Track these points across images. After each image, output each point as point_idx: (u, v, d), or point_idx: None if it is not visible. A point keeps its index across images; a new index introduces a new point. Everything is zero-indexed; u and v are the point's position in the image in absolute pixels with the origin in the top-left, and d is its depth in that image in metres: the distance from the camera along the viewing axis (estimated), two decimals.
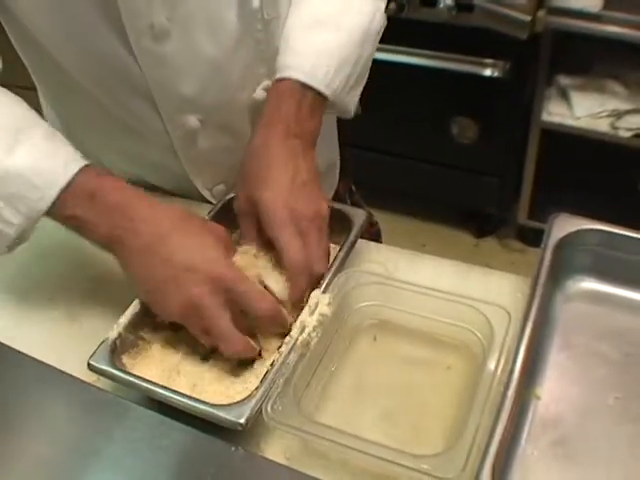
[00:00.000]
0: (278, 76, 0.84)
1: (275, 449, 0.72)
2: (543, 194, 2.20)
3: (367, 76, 0.97)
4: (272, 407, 0.68)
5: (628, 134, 2.00)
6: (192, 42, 0.86)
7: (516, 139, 2.17)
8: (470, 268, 0.90)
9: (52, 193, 0.73)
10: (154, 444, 0.68)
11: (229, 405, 0.69)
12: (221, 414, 0.68)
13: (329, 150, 1.18)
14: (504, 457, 0.69)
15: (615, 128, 2.01)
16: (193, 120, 0.92)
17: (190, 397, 0.70)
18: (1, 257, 0.95)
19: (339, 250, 0.85)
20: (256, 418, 0.68)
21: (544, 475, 0.71)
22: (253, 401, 0.68)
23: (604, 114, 2.03)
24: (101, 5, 0.80)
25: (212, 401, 0.70)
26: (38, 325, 0.88)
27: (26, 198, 0.73)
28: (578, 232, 0.85)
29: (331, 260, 0.84)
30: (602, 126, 2.03)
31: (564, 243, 0.84)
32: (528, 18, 1.86)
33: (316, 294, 0.78)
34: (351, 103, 0.93)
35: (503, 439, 0.65)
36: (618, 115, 2.02)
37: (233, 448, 0.67)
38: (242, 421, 0.67)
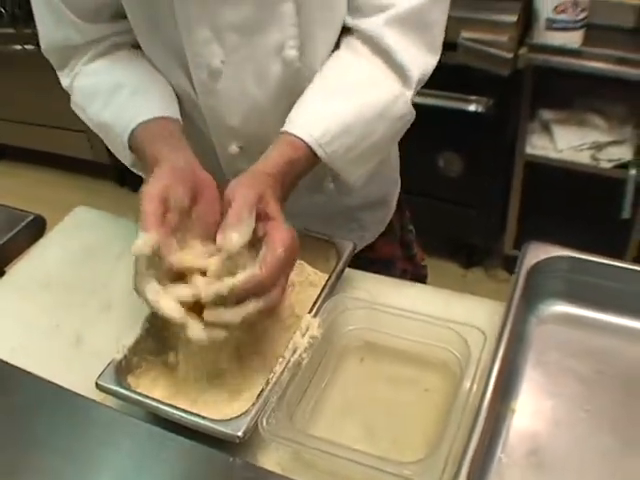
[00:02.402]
0: (283, 129, 0.93)
1: (270, 460, 0.79)
2: (528, 225, 2.28)
3: (380, 157, 1.05)
4: (267, 421, 0.75)
5: (609, 165, 2.09)
6: (240, 83, 0.98)
7: (501, 172, 2.27)
8: (450, 294, 0.98)
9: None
10: (158, 457, 0.75)
11: (227, 420, 0.76)
12: (220, 428, 0.75)
13: (383, 183, 1.26)
14: (481, 465, 0.77)
15: (596, 160, 2.10)
16: (234, 147, 1.04)
17: (191, 413, 0.77)
18: (9, 288, 1.04)
19: (328, 278, 0.93)
20: (252, 431, 0.75)
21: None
22: (249, 416, 0.76)
23: (585, 146, 2.12)
24: (171, 45, 0.98)
25: (211, 417, 0.78)
26: (47, 349, 0.95)
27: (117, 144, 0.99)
28: (550, 259, 0.93)
29: (321, 287, 0.92)
30: (584, 158, 2.12)
31: (537, 269, 0.93)
32: (510, 55, 1.96)
33: (307, 318, 0.86)
34: (353, 175, 1.00)
35: (479, 447, 0.73)
36: (599, 147, 2.11)
37: (231, 459, 0.74)
38: (239, 434, 0.74)
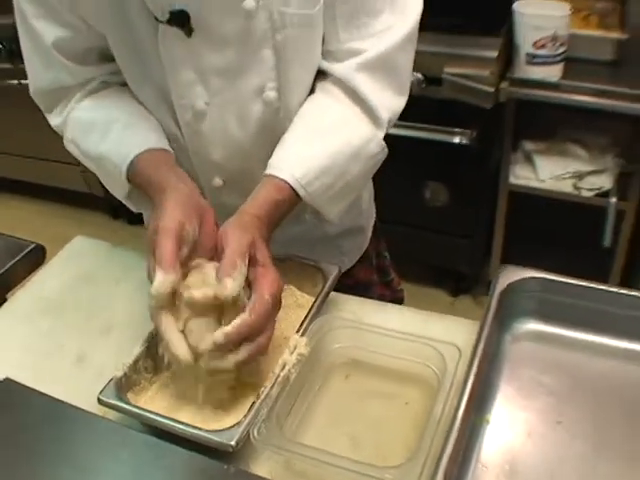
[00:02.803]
0: (267, 172, 1.01)
1: (262, 470, 0.86)
2: (513, 252, 2.36)
3: (356, 194, 1.14)
4: (258, 431, 0.82)
5: (590, 194, 2.18)
6: (223, 123, 1.07)
7: (485, 201, 2.36)
8: (429, 314, 1.06)
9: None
10: (156, 465, 0.82)
11: (221, 430, 0.83)
12: (215, 438, 0.82)
13: (359, 213, 1.34)
14: (457, 471, 0.83)
15: (578, 189, 2.19)
16: (217, 180, 1.12)
17: (187, 424, 0.84)
18: (11, 313, 1.11)
19: (315, 300, 1.00)
20: (245, 441, 0.82)
21: None
22: (242, 426, 0.83)
23: (567, 176, 2.21)
24: (158, 87, 1.05)
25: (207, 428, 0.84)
26: (50, 369, 1.02)
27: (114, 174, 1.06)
28: (522, 280, 1.01)
29: (308, 309, 0.99)
30: (566, 187, 2.21)
31: (510, 290, 1.00)
32: (492, 89, 2.06)
33: (295, 337, 0.93)
34: (331, 212, 1.08)
35: (454, 454, 0.79)
36: (580, 176, 2.21)
37: (226, 466, 0.81)
38: (233, 443, 0.81)
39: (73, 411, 0.88)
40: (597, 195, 2.19)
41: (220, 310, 0.87)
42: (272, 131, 1.07)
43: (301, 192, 0.99)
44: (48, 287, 1.19)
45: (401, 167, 2.36)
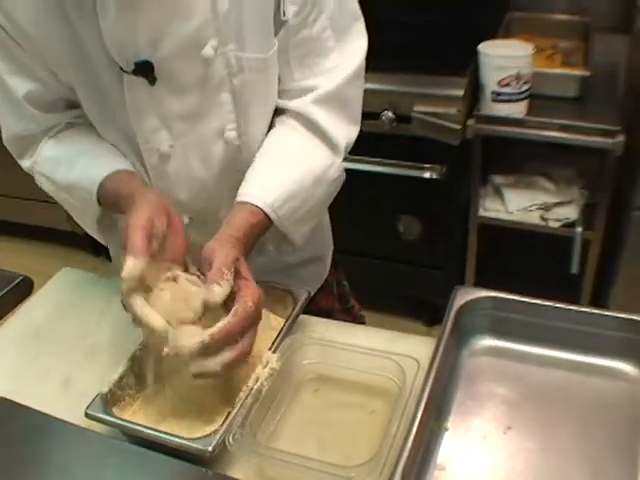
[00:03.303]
0: (239, 200, 1.11)
1: (237, 473, 0.95)
2: (485, 282, 2.46)
3: (320, 217, 1.26)
4: (233, 438, 0.92)
5: (557, 224, 2.31)
6: (187, 164, 1.16)
7: (457, 233, 2.48)
8: (392, 333, 1.16)
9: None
10: (140, 471, 0.92)
11: (199, 438, 0.92)
12: (193, 445, 0.92)
13: (316, 243, 1.44)
14: (418, 473, 0.93)
15: (545, 219, 2.32)
16: (184, 218, 1.18)
17: (168, 433, 0.94)
18: (1, 341, 1.19)
19: (286, 320, 1.10)
20: (221, 447, 0.91)
21: None
22: (218, 434, 0.92)
23: (535, 208, 2.34)
24: (124, 132, 1.14)
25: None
26: (38, 392, 1.11)
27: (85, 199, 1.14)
28: (476, 299, 1.12)
29: (279, 329, 1.09)
30: (534, 218, 2.33)
31: (465, 308, 1.11)
32: (459, 127, 2.19)
33: (267, 354, 1.03)
34: (297, 234, 1.18)
35: (411, 454, 0.89)
36: (547, 208, 2.33)
37: (204, 470, 0.90)
38: (210, 449, 0.91)
39: (62, 425, 0.97)
40: (564, 225, 2.31)
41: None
42: (235, 170, 1.17)
43: (273, 216, 1.10)
44: (36, 315, 1.29)
45: (375, 202, 2.50)
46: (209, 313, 0.97)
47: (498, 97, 2.19)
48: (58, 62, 1.09)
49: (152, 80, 1.06)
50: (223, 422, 0.94)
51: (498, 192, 2.41)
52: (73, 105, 1.18)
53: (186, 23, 1.03)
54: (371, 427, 0.99)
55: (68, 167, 1.17)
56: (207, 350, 0.92)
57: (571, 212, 2.31)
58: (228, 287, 0.96)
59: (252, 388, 0.98)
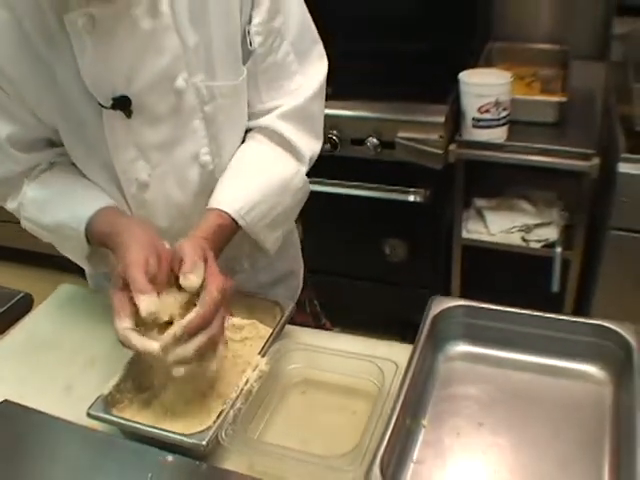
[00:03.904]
0: (209, 207, 1.21)
1: (229, 466, 1.04)
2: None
3: (288, 224, 1.35)
4: (226, 433, 1.01)
5: (538, 245, 2.42)
6: (165, 191, 1.25)
7: (441, 255, 2.58)
8: (374, 341, 1.26)
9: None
10: (139, 465, 1.00)
11: (194, 433, 1.01)
12: (188, 439, 1.01)
13: (288, 259, 1.55)
14: (396, 468, 1.02)
15: (526, 240, 2.43)
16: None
17: (166, 430, 1.03)
18: (5, 352, 1.29)
19: (274, 329, 1.20)
20: (214, 442, 1.00)
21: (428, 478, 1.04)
22: (211, 430, 1.01)
23: (516, 229, 2.45)
24: (104, 165, 1.22)
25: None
26: (41, 398, 1.18)
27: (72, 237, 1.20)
28: (450, 308, 1.21)
29: (266, 337, 1.19)
30: (515, 240, 2.44)
31: (440, 317, 1.20)
32: (441, 152, 2.30)
33: (257, 358, 1.12)
34: (268, 240, 1.28)
35: (390, 446, 0.98)
36: (528, 229, 2.44)
37: (198, 463, 0.99)
38: (204, 443, 1.00)
39: (65, 424, 1.06)
40: (544, 246, 2.42)
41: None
42: (209, 192, 1.25)
43: (241, 222, 1.20)
44: (37, 328, 1.38)
45: (361, 225, 2.60)
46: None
47: (478, 123, 2.30)
48: (38, 102, 1.16)
49: (129, 113, 1.15)
50: (216, 419, 1.03)
51: (480, 214, 2.52)
52: (54, 144, 1.25)
53: (158, 59, 1.12)
54: (353, 425, 1.08)
55: (53, 209, 1.23)
56: (180, 340, 1.01)
57: (551, 233, 2.42)
58: (201, 274, 1.06)
59: (242, 389, 1.08)
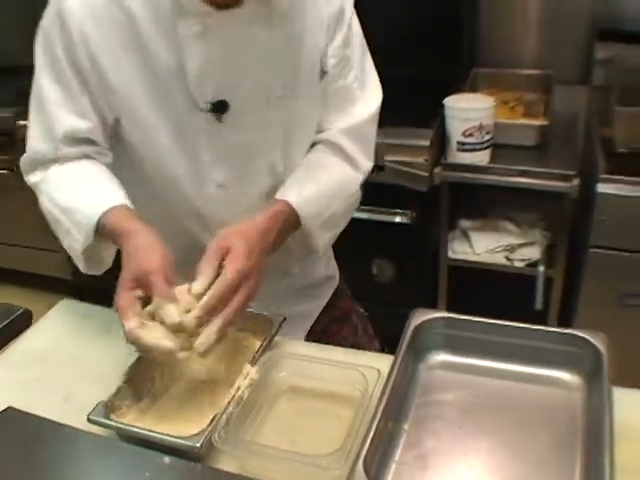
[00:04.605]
0: (275, 197, 1.33)
1: (223, 467, 1.11)
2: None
3: (341, 228, 1.47)
4: (219, 436, 1.08)
5: (521, 264, 2.51)
6: (238, 193, 1.38)
7: (428, 275, 2.67)
8: (357, 351, 1.36)
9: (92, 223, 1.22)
10: (138, 466, 1.07)
11: (189, 436, 1.09)
12: (184, 442, 1.08)
13: (325, 267, 1.70)
14: (379, 469, 1.09)
15: (510, 260, 2.52)
16: None
17: (163, 433, 1.10)
18: (6, 364, 1.36)
19: (264, 340, 1.28)
20: (209, 444, 1.08)
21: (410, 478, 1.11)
22: (205, 433, 1.09)
23: (500, 249, 2.55)
24: (187, 164, 1.33)
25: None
26: (42, 406, 1.22)
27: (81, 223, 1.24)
28: (431, 319, 1.29)
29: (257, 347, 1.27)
30: (499, 259, 2.53)
31: (421, 327, 1.28)
32: (426, 174, 2.39)
33: (248, 366, 1.20)
34: (320, 239, 1.40)
35: (372, 448, 1.05)
36: (512, 249, 2.53)
37: (193, 464, 1.06)
38: (198, 445, 1.07)
39: (66, 429, 1.13)
40: (528, 265, 2.51)
41: None
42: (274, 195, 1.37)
43: (300, 212, 1.32)
44: (37, 341, 1.45)
45: (349, 246, 2.66)
46: None
47: (463, 146, 2.40)
48: (129, 97, 1.26)
49: (220, 118, 1.28)
50: (210, 424, 1.10)
51: (466, 235, 2.61)
52: (94, 142, 1.33)
53: (263, 70, 1.28)
54: (338, 428, 1.15)
55: (72, 191, 1.29)
56: (201, 321, 1.10)
57: (534, 252, 2.52)
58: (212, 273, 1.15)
59: (234, 396, 1.15)
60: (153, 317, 1.12)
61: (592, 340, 1.25)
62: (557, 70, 2.81)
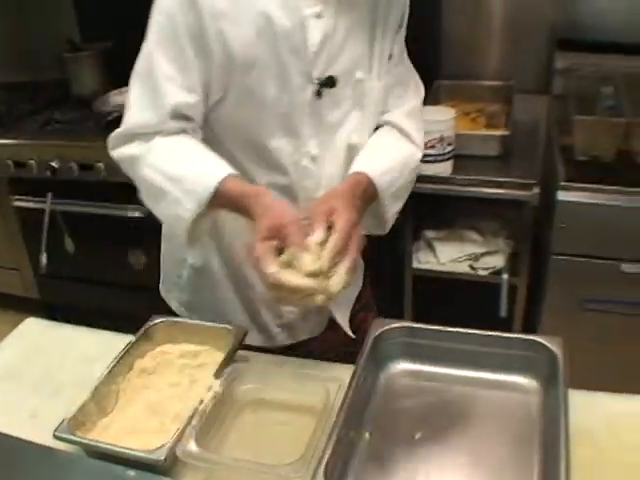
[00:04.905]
0: (350, 173, 1.43)
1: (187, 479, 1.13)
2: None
3: (404, 201, 1.58)
4: (183, 449, 1.11)
5: (485, 272, 2.55)
6: (325, 166, 1.47)
7: (394, 284, 2.70)
8: (320, 362, 1.38)
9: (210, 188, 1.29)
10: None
11: (153, 450, 1.11)
12: (148, 455, 1.10)
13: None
14: (340, 470, 1.12)
15: (474, 269, 2.56)
16: None
17: (127, 447, 1.12)
18: None
19: (227, 353, 1.30)
20: (173, 457, 1.10)
21: None
22: (169, 445, 1.11)
23: (464, 258, 2.59)
24: (288, 138, 1.41)
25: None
26: (7, 423, 1.26)
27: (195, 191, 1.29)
28: (390, 329, 1.33)
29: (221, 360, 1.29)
30: (464, 268, 2.57)
31: (381, 338, 1.32)
32: None
33: (211, 379, 1.23)
34: (390, 211, 1.53)
35: (333, 456, 1.08)
36: (476, 258, 2.58)
37: (158, 477, 1.09)
38: (162, 458, 1.10)
39: (32, 446, 1.15)
40: (492, 273, 2.56)
41: None
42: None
43: (377, 183, 1.42)
44: (3, 359, 1.47)
45: None
46: None
47: (425, 158, 2.41)
48: (251, 72, 1.33)
49: (321, 94, 1.38)
50: (173, 437, 1.13)
51: (430, 245, 2.65)
52: (192, 119, 1.38)
53: (361, 47, 1.41)
54: (300, 439, 1.17)
55: (181, 161, 1.34)
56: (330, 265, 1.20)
57: (498, 261, 2.56)
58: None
59: (198, 409, 1.18)
60: (287, 266, 1.18)
61: (548, 345, 1.29)
62: (518, 80, 2.86)
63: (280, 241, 1.20)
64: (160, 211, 1.37)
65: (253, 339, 1.55)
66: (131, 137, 1.38)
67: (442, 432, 1.22)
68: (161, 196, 1.34)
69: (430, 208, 2.60)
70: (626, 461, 1.16)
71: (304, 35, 1.33)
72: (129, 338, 1.38)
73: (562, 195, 2.26)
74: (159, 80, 1.33)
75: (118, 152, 1.40)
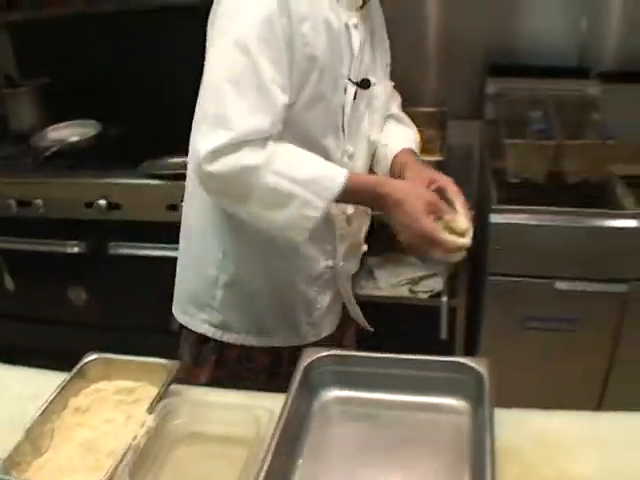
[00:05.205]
0: (396, 151, 1.70)
1: None
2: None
3: None
4: None
5: (425, 295, 2.60)
6: (357, 160, 1.65)
7: None
8: (253, 393, 1.40)
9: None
10: None
11: None
12: None
13: None
14: None
15: (414, 292, 2.61)
16: (349, 208, 1.72)
17: None
18: None
19: (160, 388, 1.32)
20: None
21: None
22: None
23: (404, 282, 2.64)
24: (334, 137, 1.58)
25: None
26: None
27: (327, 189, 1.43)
28: (320, 357, 1.37)
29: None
30: (403, 292, 2.62)
31: (311, 366, 1.35)
32: None
33: (144, 415, 1.25)
34: None
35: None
36: (415, 282, 2.63)
37: None
38: None
39: None
40: (431, 296, 2.61)
41: None
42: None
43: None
44: None
45: None
46: None
47: None
48: (320, 74, 1.46)
49: (357, 95, 1.57)
50: (106, 473, 1.15)
51: (370, 272, 2.70)
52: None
53: (371, 58, 1.63)
54: (233, 470, 1.20)
55: (306, 163, 1.44)
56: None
57: (436, 284, 2.62)
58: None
59: (131, 445, 1.20)
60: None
61: (475, 366, 1.34)
62: (452, 106, 2.94)
63: (435, 215, 1.43)
64: (283, 216, 1.43)
65: (284, 339, 1.77)
66: (238, 146, 1.36)
67: (375, 457, 1.26)
68: (290, 200, 1.41)
69: (369, 234, 2.65)
70: (551, 476, 1.20)
71: (350, 40, 1.51)
72: (65, 376, 1.39)
73: (495, 218, 2.32)
74: (266, 83, 1.37)
75: (222, 164, 1.36)
